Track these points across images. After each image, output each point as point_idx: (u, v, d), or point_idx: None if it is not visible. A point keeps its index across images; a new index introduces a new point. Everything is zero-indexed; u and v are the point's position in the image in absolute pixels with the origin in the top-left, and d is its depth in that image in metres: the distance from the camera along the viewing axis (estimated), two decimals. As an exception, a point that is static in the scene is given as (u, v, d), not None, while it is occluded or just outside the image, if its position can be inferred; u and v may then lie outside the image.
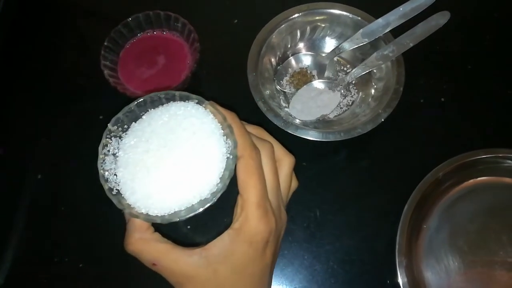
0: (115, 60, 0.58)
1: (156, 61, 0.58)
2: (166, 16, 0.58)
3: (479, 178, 0.53)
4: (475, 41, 0.64)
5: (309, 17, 0.58)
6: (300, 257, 0.52)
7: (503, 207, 0.52)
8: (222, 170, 0.37)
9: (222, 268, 0.33)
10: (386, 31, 0.54)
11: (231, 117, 0.36)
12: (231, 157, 0.37)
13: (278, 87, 0.58)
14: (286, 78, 0.59)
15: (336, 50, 0.57)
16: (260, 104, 0.52)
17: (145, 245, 0.34)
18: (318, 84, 0.57)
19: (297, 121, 0.55)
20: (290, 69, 0.60)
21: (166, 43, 0.59)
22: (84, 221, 0.54)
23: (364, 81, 0.57)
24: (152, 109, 0.40)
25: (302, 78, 0.58)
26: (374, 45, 0.56)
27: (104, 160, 0.38)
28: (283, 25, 0.57)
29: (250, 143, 0.35)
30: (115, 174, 0.38)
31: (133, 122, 0.39)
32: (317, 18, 0.58)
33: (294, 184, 0.40)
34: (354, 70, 0.55)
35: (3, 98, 0.62)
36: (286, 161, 0.38)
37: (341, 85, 0.56)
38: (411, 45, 0.52)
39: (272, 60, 0.58)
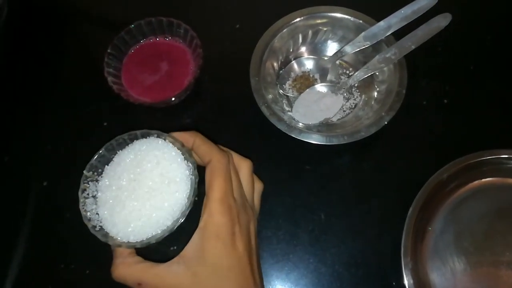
0: (118, 67, 0.58)
1: (159, 67, 0.58)
2: (169, 22, 0.58)
3: (483, 179, 0.53)
4: (477, 41, 0.64)
5: (310, 21, 0.58)
6: (305, 261, 0.52)
7: (508, 208, 0.52)
8: (188, 191, 0.41)
9: (200, 269, 0.34)
10: (387, 34, 0.54)
11: (194, 134, 0.40)
12: (193, 177, 0.41)
13: (280, 91, 0.59)
14: (289, 82, 0.59)
15: (338, 54, 0.57)
16: (263, 108, 0.52)
17: (127, 269, 0.36)
18: (320, 87, 0.57)
19: (300, 125, 0.55)
20: (292, 73, 0.60)
21: (169, 50, 0.60)
22: (90, 228, 0.54)
23: (366, 84, 0.58)
24: (120, 151, 0.45)
25: (305, 82, 0.59)
26: (376, 48, 0.56)
27: (85, 203, 0.42)
28: (285, 30, 0.57)
29: (216, 148, 0.39)
30: (97, 213, 0.42)
31: (106, 165, 0.44)
32: (318, 21, 0.58)
33: (259, 185, 0.43)
34: (356, 73, 0.55)
35: (8, 105, 0.63)
36: (244, 164, 0.41)
37: (344, 88, 0.56)
38: (413, 47, 0.53)
39: (275, 64, 0.59)
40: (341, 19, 0.58)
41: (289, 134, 0.51)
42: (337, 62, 0.59)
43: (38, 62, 0.65)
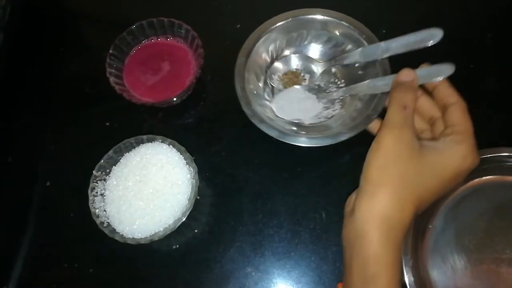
0: (120, 67, 0.59)
1: (161, 67, 0.59)
2: (170, 23, 0.59)
3: (483, 178, 0.53)
4: (477, 40, 0.64)
5: (310, 21, 0.57)
6: (307, 259, 0.52)
7: (508, 205, 0.52)
8: (189, 193, 0.44)
9: None
10: (384, 56, 0.52)
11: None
12: (194, 181, 0.44)
13: (268, 80, 0.58)
14: (279, 74, 0.59)
15: (332, 61, 0.56)
16: (238, 90, 0.52)
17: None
18: (305, 89, 0.57)
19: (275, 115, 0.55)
20: (286, 67, 0.59)
21: (170, 50, 0.60)
22: (93, 226, 0.55)
23: (350, 100, 0.56)
24: (127, 153, 0.48)
25: (293, 78, 0.58)
26: (367, 64, 0.55)
27: (94, 200, 0.46)
28: (281, 27, 0.57)
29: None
30: (104, 210, 0.46)
31: (113, 166, 0.48)
32: (317, 23, 0.57)
33: None
34: (343, 89, 0.54)
35: (11, 106, 0.63)
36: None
37: (327, 99, 0.56)
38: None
39: (267, 57, 0.58)
40: (337, 24, 0.56)
41: (270, 134, 0.50)
42: (333, 69, 0.58)
43: (40, 63, 0.66)
